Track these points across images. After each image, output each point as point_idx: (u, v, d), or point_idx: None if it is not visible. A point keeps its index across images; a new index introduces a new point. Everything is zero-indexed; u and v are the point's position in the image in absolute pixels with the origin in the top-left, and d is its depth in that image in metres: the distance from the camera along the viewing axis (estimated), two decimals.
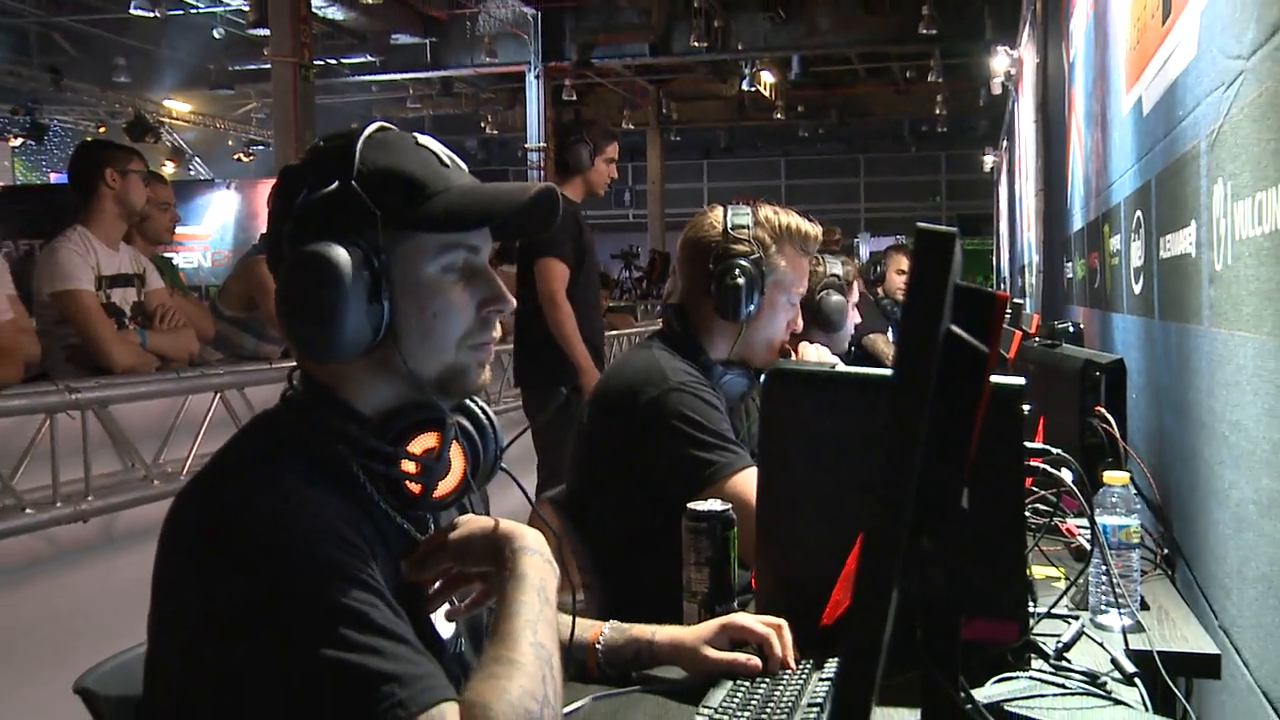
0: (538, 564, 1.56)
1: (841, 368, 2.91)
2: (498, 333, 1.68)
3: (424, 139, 1.66)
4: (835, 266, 4.49)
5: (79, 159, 5.16)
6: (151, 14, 16.04)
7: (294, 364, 1.65)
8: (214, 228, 17.16)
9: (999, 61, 13.80)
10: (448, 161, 1.64)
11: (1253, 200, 2.00)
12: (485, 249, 1.67)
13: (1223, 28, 2.28)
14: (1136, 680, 1.95)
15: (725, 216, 2.91)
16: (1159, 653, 2.08)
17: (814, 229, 2.99)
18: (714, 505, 2.20)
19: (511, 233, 1.74)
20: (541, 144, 19.70)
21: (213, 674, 1.42)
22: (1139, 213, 3.50)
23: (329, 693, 1.34)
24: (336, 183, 1.54)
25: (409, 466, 1.56)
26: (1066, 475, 2.32)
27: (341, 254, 1.49)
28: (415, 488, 1.57)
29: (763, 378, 2.21)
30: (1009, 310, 3.89)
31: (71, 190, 5.09)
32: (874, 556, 1.16)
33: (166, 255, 6.34)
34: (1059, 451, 2.31)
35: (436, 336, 1.59)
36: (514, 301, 1.69)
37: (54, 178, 22.88)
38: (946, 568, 1.24)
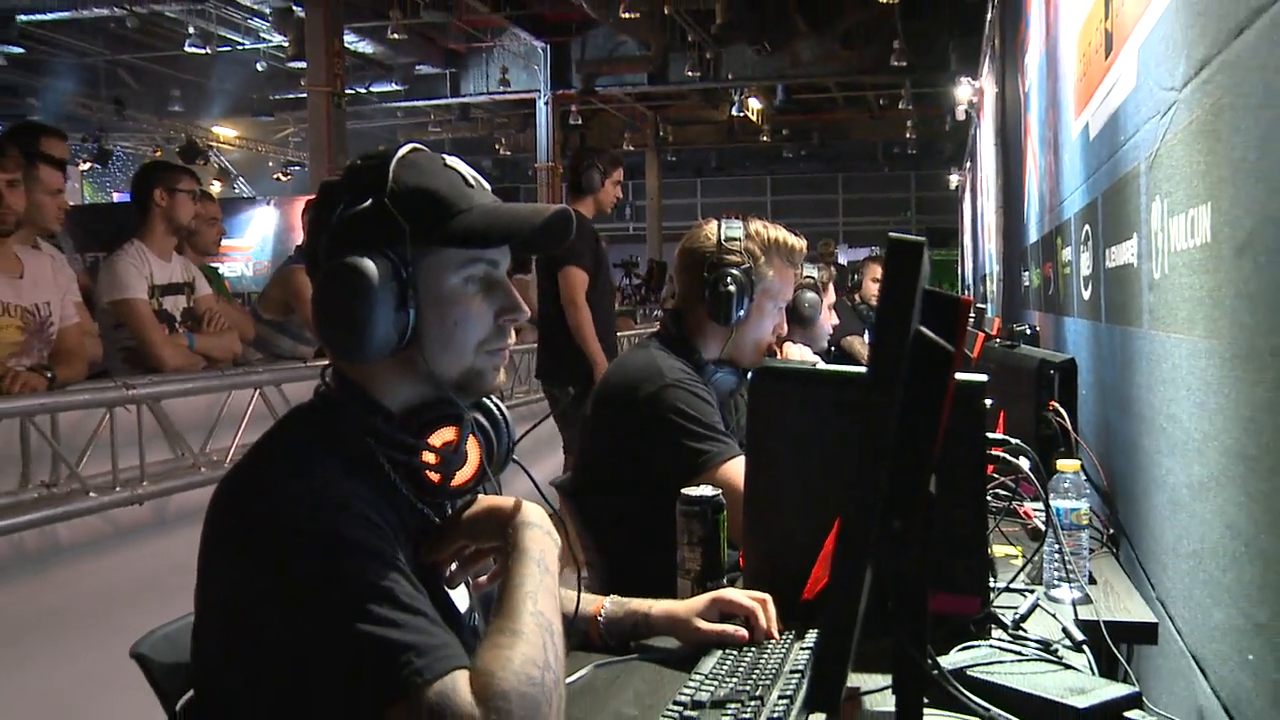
0: (538, 537, 1.55)
1: (821, 366, 2.92)
2: (512, 339, 1.68)
3: (452, 160, 1.64)
4: (811, 270, 4.51)
5: (136, 179, 5.21)
6: (203, 50, 16.29)
7: (327, 363, 1.65)
8: (255, 240, 17.22)
9: (962, 91, 13.82)
10: (472, 182, 1.62)
11: (1186, 216, 2.00)
12: (504, 263, 1.66)
13: (1158, 63, 2.29)
14: (1084, 647, 1.95)
15: (719, 230, 2.91)
16: (1105, 623, 2.08)
17: (799, 242, 3.00)
18: (705, 490, 2.20)
19: (528, 249, 1.74)
20: (550, 163, 19.75)
21: (250, 646, 1.42)
22: (1087, 227, 3.50)
23: (356, 661, 1.34)
24: (370, 200, 1.54)
25: (429, 458, 1.56)
26: (1024, 463, 2.33)
27: (372, 266, 1.48)
28: (435, 477, 1.56)
29: (750, 375, 2.21)
30: (973, 314, 3.90)
31: (133, 207, 5.12)
32: (850, 536, 1.16)
33: (213, 265, 6.34)
34: (1017, 441, 2.31)
35: (457, 342, 1.59)
36: (528, 311, 1.69)
37: (117, 197, 23.07)
38: (916, 546, 1.24)
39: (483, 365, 1.62)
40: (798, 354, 3.70)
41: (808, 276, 4.41)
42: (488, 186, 1.66)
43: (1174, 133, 2.12)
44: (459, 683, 1.34)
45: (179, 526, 4.42)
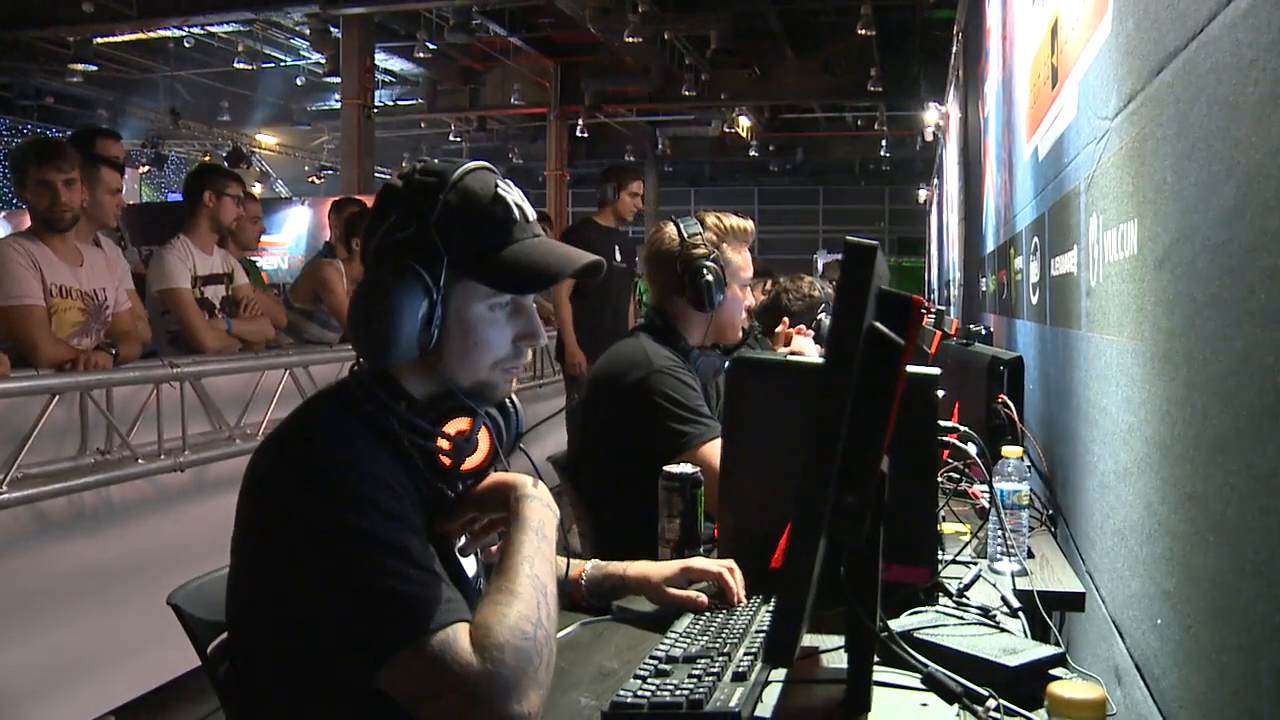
0: (538, 509, 1.56)
1: (792, 357, 2.93)
2: (527, 358, 1.68)
3: (505, 188, 1.61)
4: (817, 289, 4.56)
5: (189, 179, 5.30)
6: (250, 66, 16.37)
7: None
8: (291, 237, 17.23)
9: (930, 115, 13.84)
10: (517, 216, 1.60)
11: (1117, 231, 2.02)
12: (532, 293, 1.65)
13: (1094, 94, 2.31)
14: (1020, 614, 1.97)
15: (679, 229, 2.92)
16: (1038, 592, 2.10)
17: (748, 224, 3.00)
18: (685, 469, 2.22)
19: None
20: (558, 171, 19.80)
21: (276, 593, 1.45)
22: (1036, 239, 3.51)
23: (369, 609, 1.36)
24: (417, 225, 1.53)
25: (443, 444, 1.56)
26: (972, 448, 2.35)
27: (406, 287, 1.50)
28: (447, 461, 1.57)
29: (727, 364, 2.23)
30: (933, 314, 3.91)
31: (184, 204, 5.20)
32: (805, 509, 1.18)
33: (252, 258, 6.36)
34: (967, 429, 2.32)
35: (474, 360, 1.59)
36: (545, 337, 1.69)
37: (170, 197, 23.30)
38: (868, 521, 1.26)
39: (495, 379, 1.62)
40: (799, 341, 3.71)
41: (819, 298, 4.47)
42: (532, 215, 1.64)
43: (1108, 157, 2.14)
44: (460, 633, 1.36)
45: (215, 492, 4.47)
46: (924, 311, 1.61)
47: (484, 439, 1.60)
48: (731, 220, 2.95)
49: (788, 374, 2.18)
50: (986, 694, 1.44)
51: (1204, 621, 1.38)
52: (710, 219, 2.93)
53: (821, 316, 4.42)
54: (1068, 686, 1.10)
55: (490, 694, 1.32)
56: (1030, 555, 2.41)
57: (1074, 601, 2.25)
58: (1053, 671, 1.59)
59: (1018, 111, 4.31)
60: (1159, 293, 1.66)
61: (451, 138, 22.91)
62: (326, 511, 1.40)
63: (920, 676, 1.49)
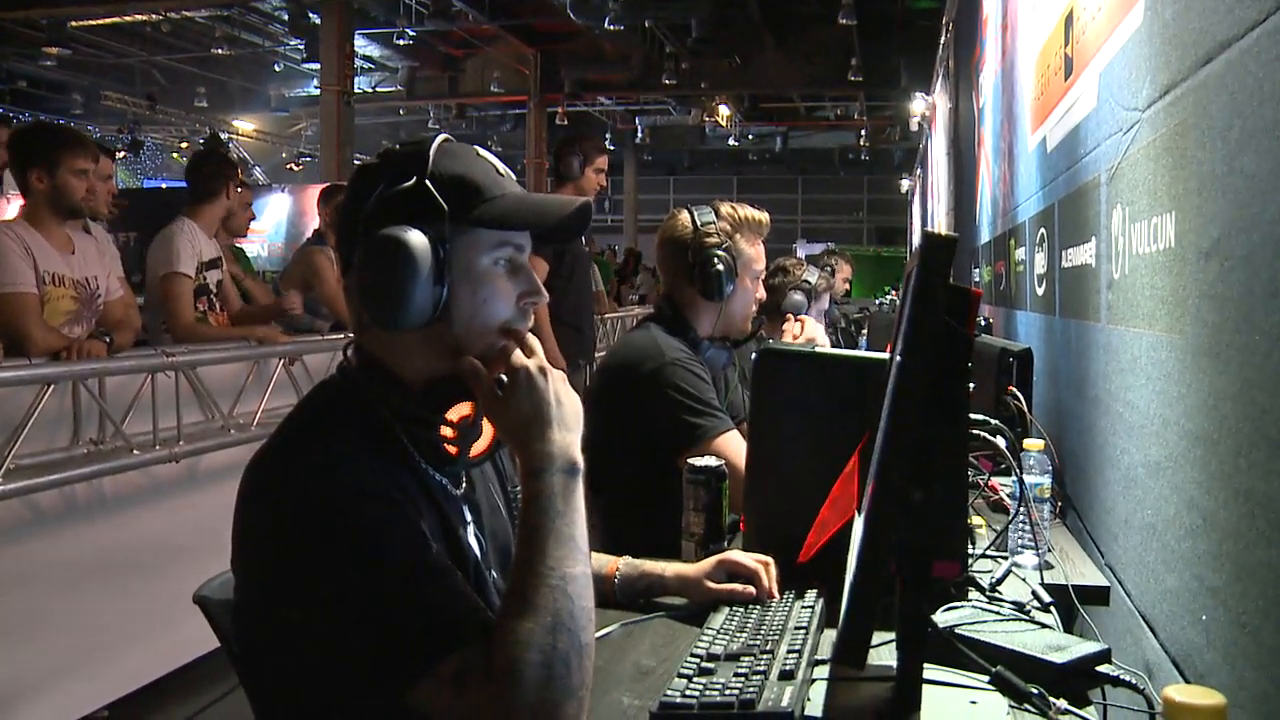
0: (556, 482, 1.42)
1: (819, 348, 2.91)
2: (530, 322, 1.64)
3: (484, 151, 1.59)
4: (812, 275, 4.54)
5: (200, 164, 5.35)
6: (227, 52, 16.30)
7: (345, 337, 1.60)
8: (270, 224, 17.11)
9: (916, 105, 13.85)
10: (503, 172, 1.58)
11: (1149, 223, 2.00)
12: (527, 249, 1.60)
13: (1120, 85, 2.29)
14: (1052, 608, 1.96)
15: (693, 217, 2.90)
16: (1060, 585, 2.09)
17: (763, 216, 2.99)
18: (710, 461, 2.20)
19: (551, 237, 1.70)
20: (537, 159, 19.77)
21: (284, 629, 1.39)
22: (1043, 230, 3.51)
23: (384, 640, 1.30)
24: (412, 180, 1.49)
25: (447, 432, 1.50)
26: (1000, 441, 2.33)
27: (418, 238, 1.44)
28: (453, 449, 1.51)
29: (754, 355, 2.20)
30: None
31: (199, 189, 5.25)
32: (880, 505, 1.16)
33: (239, 246, 6.32)
34: (996, 422, 2.31)
35: (482, 318, 1.52)
36: (547, 295, 1.64)
37: (146, 183, 23.27)
38: (928, 516, 1.24)
39: (504, 344, 1.59)
40: (811, 328, 3.70)
41: (804, 281, 4.45)
42: (514, 176, 1.61)
43: (1137, 148, 2.12)
44: (472, 658, 1.28)
45: (209, 483, 4.43)
46: None
47: (487, 422, 1.54)
48: (747, 211, 2.94)
49: (815, 365, 2.15)
50: (1037, 691, 1.43)
51: (1264, 619, 1.37)
52: (725, 208, 2.92)
53: (791, 292, 4.41)
54: (1184, 691, 1.08)
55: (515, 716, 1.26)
56: (1050, 549, 2.40)
57: (1099, 595, 2.24)
58: (1098, 669, 1.58)
59: (1020, 102, 4.30)
60: (1204, 287, 1.65)
61: (430, 125, 22.84)
62: (324, 540, 1.33)
63: (990, 676, 1.47)
